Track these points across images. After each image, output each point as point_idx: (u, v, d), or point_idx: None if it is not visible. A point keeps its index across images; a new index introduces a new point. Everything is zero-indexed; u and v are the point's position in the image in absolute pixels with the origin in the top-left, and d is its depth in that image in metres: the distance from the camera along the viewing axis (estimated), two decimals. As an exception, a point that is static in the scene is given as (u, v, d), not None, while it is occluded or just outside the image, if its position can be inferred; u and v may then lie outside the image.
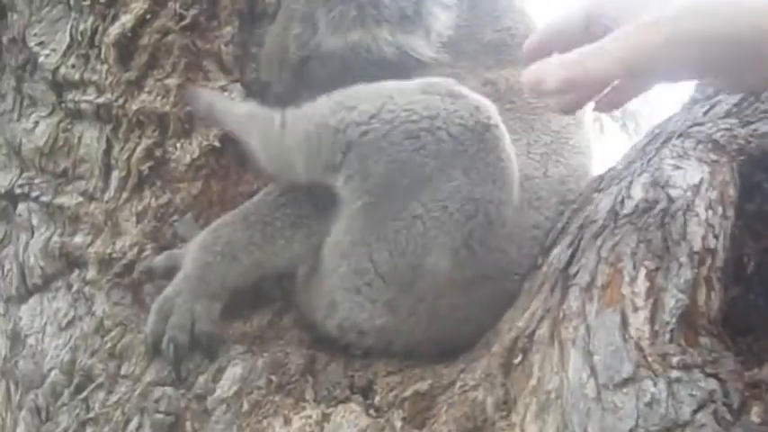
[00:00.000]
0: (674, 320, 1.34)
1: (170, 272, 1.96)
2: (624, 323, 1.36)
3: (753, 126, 1.62)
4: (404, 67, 2.01)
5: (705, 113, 1.72)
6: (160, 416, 1.82)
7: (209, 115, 2.04)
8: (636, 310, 1.37)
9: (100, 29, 2.11)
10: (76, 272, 2.07)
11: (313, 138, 1.83)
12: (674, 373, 1.27)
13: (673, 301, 1.36)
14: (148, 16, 2.08)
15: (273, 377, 1.81)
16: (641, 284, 1.40)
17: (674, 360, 1.29)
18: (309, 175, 1.87)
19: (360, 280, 1.82)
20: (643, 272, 1.41)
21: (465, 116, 1.77)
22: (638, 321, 1.35)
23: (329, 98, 1.85)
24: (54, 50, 2.18)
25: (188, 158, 2.04)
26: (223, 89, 2.09)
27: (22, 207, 2.19)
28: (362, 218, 1.79)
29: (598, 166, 2.02)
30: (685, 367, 1.28)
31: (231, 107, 2.04)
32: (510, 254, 1.81)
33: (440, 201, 1.75)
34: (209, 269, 1.89)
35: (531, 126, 1.99)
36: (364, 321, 1.84)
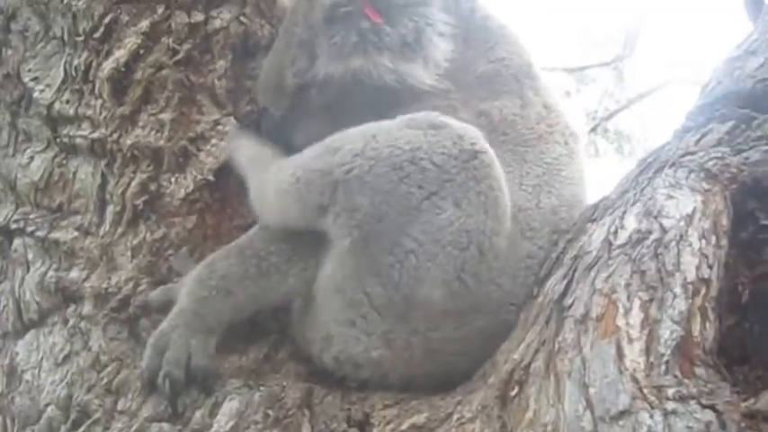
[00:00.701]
0: (669, 352, 1.34)
1: (165, 306, 1.95)
2: (619, 355, 1.36)
3: (745, 154, 1.63)
4: (402, 94, 2.03)
5: (697, 142, 1.72)
6: (157, 452, 1.81)
7: (233, 158, 2.07)
8: (631, 341, 1.37)
9: (94, 64, 2.12)
10: (72, 307, 2.07)
11: (301, 182, 1.86)
12: (670, 405, 1.27)
13: (667, 332, 1.36)
14: (142, 51, 2.09)
15: (270, 411, 1.80)
16: (636, 316, 1.40)
17: (670, 392, 1.29)
18: (301, 219, 1.88)
19: (354, 313, 1.83)
20: (637, 303, 1.41)
21: (448, 145, 1.80)
22: (634, 353, 1.35)
23: (315, 145, 1.89)
24: (48, 86, 2.19)
25: (183, 193, 2.05)
26: (216, 123, 2.10)
27: (17, 242, 2.19)
28: (354, 253, 1.80)
29: (593, 192, 2.04)
30: (681, 399, 1.28)
31: (248, 151, 2.06)
32: (504, 286, 1.82)
33: (431, 233, 1.77)
34: (205, 303, 1.89)
35: (524, 158, 2.00)
36: (360, 354, 1.84)
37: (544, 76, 2.26)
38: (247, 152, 2.06)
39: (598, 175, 2.18)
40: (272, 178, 1.93)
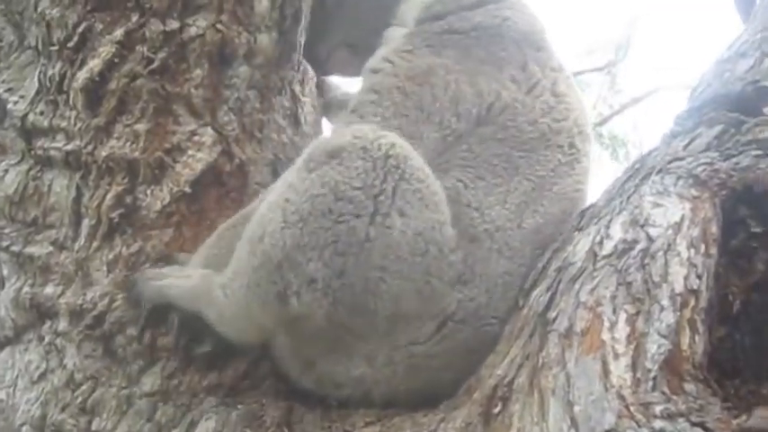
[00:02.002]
0: (656, 367, 1.29)
1: None
2: (605, 371, 1.31)
3: (734, 159, 1.57)
4: None
5: (685, 147, 1.67)
6: (132, 473, 1.77)
7: (158, 300, 1.97)
8: (617, 356, 1.32)
9: (68, 74, 2.08)
10: (48, 323, 2.03)
11: (251, 286, 1.80)
12: (658, 423, 1.22)
13: (655, 346, 1.31)
14: (116, 60, 2.04)
15: (248, 430, 1.76)
16: (622, 330, 1.35)
17: (658, 409, 1.24)
18: (270, 317, 1.82)
19: (335, 342, 1.80)
20: (623, 316, 1.36)
21: (358, 164, 1.75)
22: (620, 369, 1.30)
23: (243, 243, 1.84)
24: (22, 97, 2.15)
25: (159, 205, 2.00)
26: (193, 133, 2.05)
27: (-8, 257, 2.14)
28: (330, 317, 1.75)
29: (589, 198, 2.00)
30: (669, 416, 1.23)
31: (180, 284, 1.96)
32: (478, 299, 1.79)
33: (392, 254, 1.73)
34: None
35: (516, 168, 1.95)
36: (341, 374, 1.81)
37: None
38: (180, 286, 1.95)
39: (593, 181, 2.11)
40: (225, 302, 1.85)
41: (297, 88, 2.31)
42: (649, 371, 1.29)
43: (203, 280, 1.91)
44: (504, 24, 2.13)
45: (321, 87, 2.55)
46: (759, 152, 1.56)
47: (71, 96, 2.06)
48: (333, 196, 1.72)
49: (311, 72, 2.43)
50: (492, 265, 1.82)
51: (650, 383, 1.27)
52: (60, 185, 2.07)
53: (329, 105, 2.60)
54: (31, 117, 2.12)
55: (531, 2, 2.29)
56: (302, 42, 2.32)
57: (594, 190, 2.04)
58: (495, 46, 2.09)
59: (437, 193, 1.79)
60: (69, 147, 2.06)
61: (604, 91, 9.69)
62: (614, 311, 1.38)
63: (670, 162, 1.63)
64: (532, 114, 2.01)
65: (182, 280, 1.94)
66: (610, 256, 1.48)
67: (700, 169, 1.58)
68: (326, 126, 2.56)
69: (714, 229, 1.49)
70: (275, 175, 2.13)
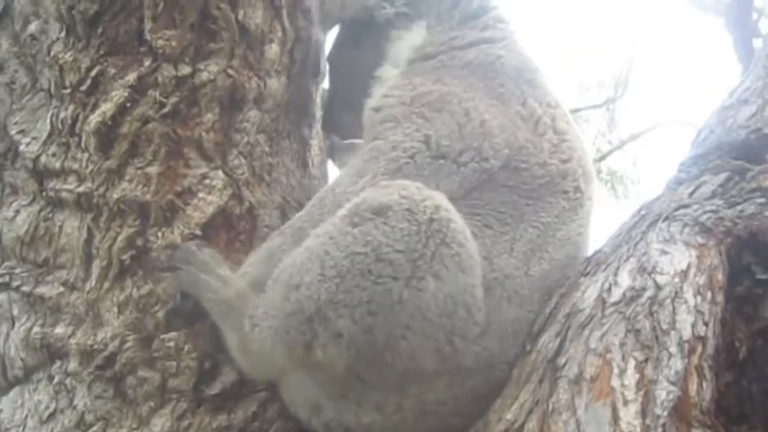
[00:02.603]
0: (665, 413, 1.31)
1: None
2: (615, 417, 1.33)
3: (739, 207, 1.61)
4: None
5: (690, 194, 1.70)
6: None
7: (189, 290, 2.00)
8: (626, 403, 1.34)
9: (80, 117, 2.09)
10: (58, 363, 2.03)
11: (279, 330, 1.81)
12: (668, 470, 1.24)
13: (663, 393, 1.34)
14: (129, 104, 2.06)
15: (258, 472, 1.77)
16: (631, 376, 1.37)
17: (667, 455, 1.26)
18: (291, 362, 1.83)
19: (347, 389, 1.80)
20: (632, 363, 1.39)
21: (403, 226, 1.74)
22: (629, 415, 1.32)
23: (279, 285, 1.84)
24: (35, 138, 2.17)
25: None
26: (204, 176, 2.07)
27: (2, 297, 2.15)
28: (350, 370, 1.76)
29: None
30: (679, 462, 1.25)
31: (214, 297, 1.97)
32: (491, 348, 1.79)
33: (420, 314, 1.72)
34: None
35: (522, 215, 1.96)
36: (351, 420, 1.81)
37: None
38: (215, 292, 1.96)
39: (593, 218, 2.12)
40: (250, 335, 1.87)
41: (305, 131, 2.34)
42: (658, 417, 1.31)
43: (239, 299, 1.91)
44: (498, 62, 2.16)
45: (327, 129, 2.57)
46: (763, 200, 1.59)
47: (83, 139, 2.08)
48: (374, 257, 1.72)
49: (318, 115, 2.45)
50: (503, 313, 1.82)
51: (660, 430, 1.30)
52: (72, 227, 2.09)
53: (334, 148, 2.62)
54: (43, 159, 2.13)
55: (529, 41, 2.33)
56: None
57: (595, 227, 2.07)
58: (492, 81, 2.11)
59: (473, 257, 1.79)
60: (81, 189, 2.07)
61: (603, 127, 9.74)
62: (623, 358, 1.40)
63: (676, 209, 1.66)
64: (542, 155, 2.02)
65: (219, 285, 1.95)
66: (618, 303, 1.51)
67: (705, 217, 1.61)
68: (332, 169, 2.59)
69: (720, 276, 1.52)
70: (284, 218, 2.15)
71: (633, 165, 9.54)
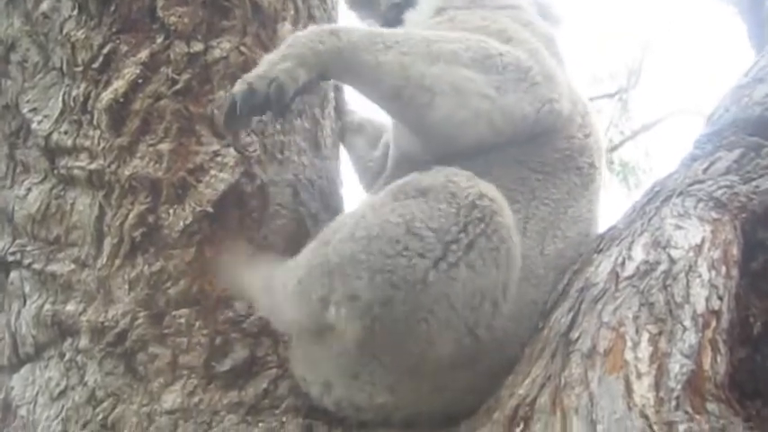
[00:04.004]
0: (679, 386, 1.30)
1: None
2: (628, 390, 1.32)
3: (754, 183, 1.59)
4: None
5: (705, 170, 1.68)
6: (153, 489, 1.78)
7: (234, 287, 2.02)
8: (640, 376, 1.33)
9: (92, 94, 2.10)
10: (69, 340, 2.03)
11: (303, 281, 1.81)
12: (682, 442, 1.23)
13: (677, 366, 1.32)
14: (141, 81, 2.07)
15: (269, 448, 1.77)
16: (644, 350, 1.36)
17: (681, 428, 1.25)
18: (309, 317, 1.81)
19: (359, 368, 1.78)
20: (646, 336, 1.38)
21: (442, 207, 1.72)
22: (643, 388, 1.31)
23: (313, 242, 1.86)
24: (47, 117, 2.17)
25: (181, 224, 2.01)
26: (216, 154, 2.06)
27: (14, 275, 2.16)
28: (361, 342, 1.73)
29: (600, 224, 2.00)
30: (692, 435, 1.24)
31: (253, 280, 1.99)
32: (508, 330, 1.76)
33: (445, 303, 1.69)
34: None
35: (533, 192, 1.93)
36: (363, 400, 1.79)
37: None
38: (254, 282, 1.99)
39: (603, 207, 2.11)
40: (281, 287, 1.87)
41: (317, 111, 2.33)
42: (672, 390, 1.30)
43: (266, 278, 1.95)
44: (530, 26, 2.14)
45: (339, 111, 2.57)
46: (778, 176, 1.58)
47: (95, 116, 2.08)
48: (405, 228, 1.69)
49: (330, 96, 2.45)
50: (520, 294, 1.78)
51: (673, 403, 1.28)
52: (83, 204, 2.09)
53: (345, 129, 2.62)
54: (54, 137, 2.13)
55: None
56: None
57: (605, 218, 2.05)
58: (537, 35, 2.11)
59: (514, 257, 1.74)
60: (93, 166, 2.07)
61: (616, 117, 9.72)
62: (637, 332, 1.39)
63: (690, 185, 1.64)
64: (572, 128, 2.02)
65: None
66: (632, 277, 1.50)
67: (720, 192, 1.59)
68: (343, 151, 2.58)
69: (734, 250, 1.51)
70: (296, 196, 2.15)
71: (646, 155, 9.51)
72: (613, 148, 9.40)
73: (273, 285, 1.89)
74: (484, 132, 1.89)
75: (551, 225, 1.92)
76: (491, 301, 1.71)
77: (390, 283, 1.67)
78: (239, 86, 1.82)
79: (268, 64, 1.84)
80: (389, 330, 1.69)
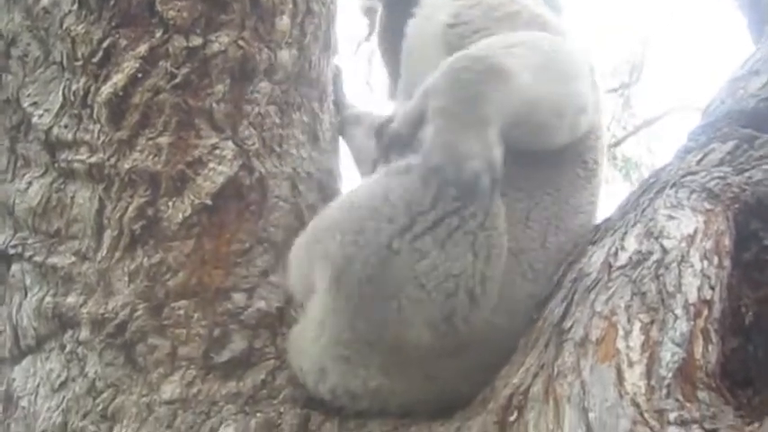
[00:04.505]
0: (670, 375, 1.31)
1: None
2: (620, 378, 1.33)
3: (747, 174, 1.60)
4: None
5: (699, 162, 1.69)
6: (152, 479, 1.79)
7: None
8: (631, 364, 1.34)
9: (92, 89, 2.11)
10: (70, 332, 2.05)
11: (303, 244, 1.89)
12: (672, 430, 1.24)
13: (669, 354, 1.33)
14: (140, 75, 2.08)
15: (267, 438, 1.78)
16: (636, 338, 1.37)
17: (672, 416, 1.26)
18: (304, 278, 1.88)
19: (347, 350, 1.79)
20: (638, 325, 1.38)
21: (414, 179, 1.74)
22: (634, 376, 1.32)
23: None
24: (47, 111, 2.19)
25: (180, 217, 2.03)
26: (214, 147, 2.08)
27: (15, 267, 2.18)
28: (332, 297, 1.77)
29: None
30: (683, 423, 1.25)
31: None
32: (501, 325, 1.76)
33: (413, 278, 1.70)
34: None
35: (537, 180, 1.91)
36: (357, 386, 1.81)
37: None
38: None
39: (605, 202, 2.10)
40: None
41: (315, 105, 2.34)
42: (663, 378, 1.31)
43: None
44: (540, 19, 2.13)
45: (338, 105, 2.58)
46: (771, 167, 1.58)
47: (95, 110, 2.10)
48: (382, 197, 1.73)
49: (329, 90, 2.46)
50: (516, 288, 1.79)
51: (664, 391, 1.29)
52: (83, 197, 2.10)
53: (344, 123, 2.63)
54: (55, 130, 2.15)
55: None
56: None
57: (608, 211, 2.04)
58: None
59: (496, 247, 1.73)
60: (93, 159, 2.09)
61: (618, 113, 9.71)
62: (629, 321, 1.40)
63: (684, 176, 1.65)
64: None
65: None
66: (624, 266, 1.50)
67: (713, 183, 1.60)
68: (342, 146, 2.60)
69: (727, 241, 1.51)
70: (294, 189, 2.17)
71: (648, 151, 9.50)
72: (616, 144, 9.39)
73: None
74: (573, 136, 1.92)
75: (554, 215, 1.90)
76: (466, 291, 1.70)
77: (355, 243, 1.71)
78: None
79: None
80: (359, 297, 1.72)
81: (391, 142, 1.82)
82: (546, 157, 1.91)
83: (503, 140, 1.68)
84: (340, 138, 2.57)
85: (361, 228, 1.72)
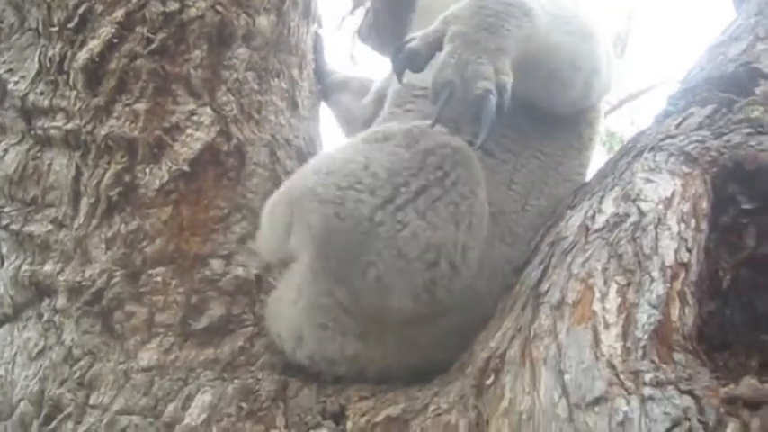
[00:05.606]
0: (646, 336, 1.30)
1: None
2: (596, 340, 1.32)
3: (725, 137, 1.59)
4: None
5: (677, 126, 1.69)
6: (129, 445, 1.78)
7: None
8: (607, 326, 1.33)
9: (68, 55, 2.09)
10: (47, 300, 2.04)
11: (275, 205, 1.87)
12: (647, 391, 1.23)
13: (645, 316, 1.33)
14: (116, 41, 2.06)
15: (244, 404, 1.78)
16: (612, 300, 1.36)
17: (647, 377, 1.25)
18: (276, 241, 1.87)
19: (325, 317, 1.79)
20: (614, 287, 1.38)
21: (400, 151, 1.73)
22: (610, 338, 1.31)
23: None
24: (23, 77, 2.17)
25: (157, 183, 2.01)
26: (191, 113, 2.06)
27: (-8, 236, 2.15)
28: (314, 268, 1.76)
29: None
30: (659, 384, 1.24)
31: None
32: (479, 289, 1.76)
33: (393, 247, 1.68)
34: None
35: (526, 142, 1.92)
36: (335, 352, 1.81)
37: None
38: None
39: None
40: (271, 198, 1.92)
41: (294, 72, 2.32)
42: (639, 340, 1.30)
43: None
44: None
45: (320, 73, 2.56)
46: (750, 130, 1.58)
47: (71, 76, 2.08)
48: (362, 166, 1.71)
49: (309, 57, 2.44)
50: (494, 252, 1.78)
51: (640, 352, 1.29)
52: (60, 165, 2.09)
53: (329, 89, 2.61)
54: (31, 97, 2.13)
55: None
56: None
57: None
58: None
59: (476, 215, 1.72)
60: (69, 126, 2.07)
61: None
62: (605, 283, 1.39)
63: (662, 140, 1.65)
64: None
65: None
66: (602, 229, 1.50)
67: (691, 147, 1.59)
68: (325, 111, 2.58)
69: (704, 204, 1.51)
70: (272, 155, 2.15)
71: (631, 125, 9.49)
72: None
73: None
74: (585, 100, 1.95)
75: (539, 179, 1.90)
76: (448, 261, 1.69)
77: (337, 214, 1.69)
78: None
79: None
80: (339, 264, 1.71)
81: (407, 61, 1.72)
82: (542, 123, 1.92)
83: (515, 93, 1.66)
84: (321, 105, 2.55)
85: (341, 198, 1.70)
